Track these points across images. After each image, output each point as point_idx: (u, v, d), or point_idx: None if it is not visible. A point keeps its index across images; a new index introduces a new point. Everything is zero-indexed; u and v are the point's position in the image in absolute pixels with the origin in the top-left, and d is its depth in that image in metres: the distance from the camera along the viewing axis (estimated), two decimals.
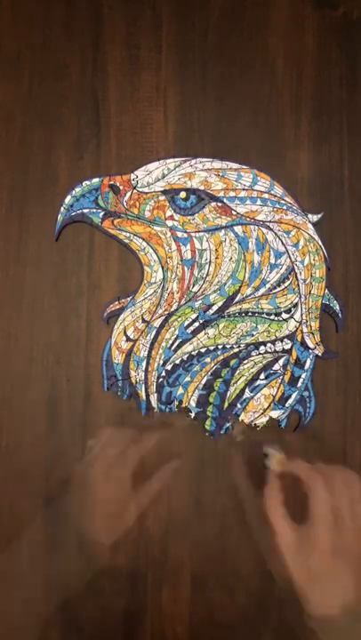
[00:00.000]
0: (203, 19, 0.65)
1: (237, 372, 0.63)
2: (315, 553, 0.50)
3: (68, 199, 0.63)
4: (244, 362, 0.63)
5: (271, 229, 0.62)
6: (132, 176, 0.63)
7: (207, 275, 0.62)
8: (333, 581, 0.50)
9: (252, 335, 0.63)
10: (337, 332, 0.63)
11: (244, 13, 0.65)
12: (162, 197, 0.62)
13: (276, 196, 0.63)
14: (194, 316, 0.63)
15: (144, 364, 0.63)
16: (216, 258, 0.62)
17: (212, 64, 0.64)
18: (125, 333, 0.63)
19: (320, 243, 0.63)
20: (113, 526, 0.57)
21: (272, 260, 0.62)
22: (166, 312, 0.62)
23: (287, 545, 0.51)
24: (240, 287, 0.62)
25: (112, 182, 0.63)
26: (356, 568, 0.50)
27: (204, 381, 0.63)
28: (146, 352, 0.63)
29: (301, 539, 0.51)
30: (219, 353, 0.63)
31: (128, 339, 0.63)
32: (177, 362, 0.63)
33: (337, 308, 0.63)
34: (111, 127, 0.65)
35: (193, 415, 0.63)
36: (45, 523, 0.57)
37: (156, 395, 0.63)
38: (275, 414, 0.63)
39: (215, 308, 0.62)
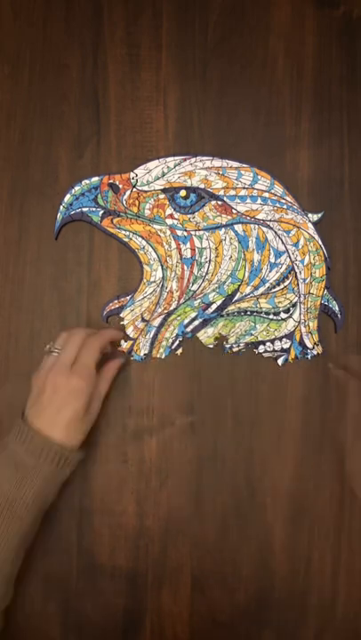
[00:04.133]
0: (203, 17, 0.65)
1: None
2: None
3: (67, 198, 0.62)
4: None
5: (271, 228, 0.62)
6: (132, 174, 0.62)
7: (207, 273, 0.62)
8: None
9: (251, 334, 0.63)
10: (336, 332, 0.63)
11: (245, 12, 0.65)
12: (162, 196, 0.62)
13: (276, 194, 0.62)
14: (193, 314, 0.62)
15: None
16: (216, 256, 0.62)
17: (213, 63, 0.64)
18: (125, 332, 0.63)
19: (320, 242, 0.63)
20: (80, 424, 0.56)
21: (272, 260, 0.62)
22: (165, 311, 0.62)
23: None
24: (239, 286, 0.62)
25: (111, 181, 0.62)
26: None
27: None
28: (146, 351, 0.63)
29: None
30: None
31: (128, 337, 0.63)
32: None
33: (336, 308, 0.63)
34: (111, 126, 0.65)
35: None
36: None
37: None
38: None
39: (214, 306, 0.62)
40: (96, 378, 0.57)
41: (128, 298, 0.63)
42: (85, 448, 0.58)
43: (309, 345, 0.62)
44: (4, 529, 0.52)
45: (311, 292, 0.62)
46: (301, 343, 0.63)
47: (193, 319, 0.63)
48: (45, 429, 0.54)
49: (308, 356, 0.62)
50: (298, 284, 0.62)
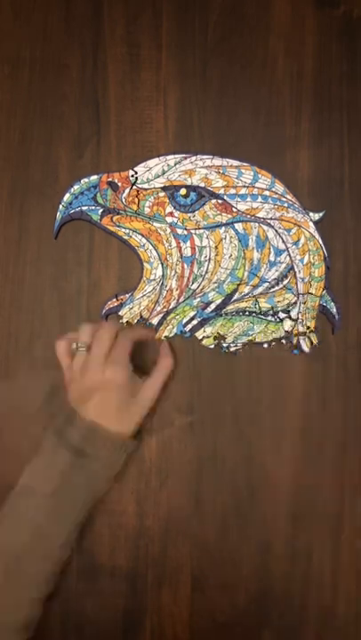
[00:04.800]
0: (203, 17, 0.65)
1: None
2: None
3: (66, 197, 0.63)
4: None
5: (272, 227, 0.62)
6: (131, 172, 0.62)
7: (207, 272, 0.62)
8: None
9: (249, 335, 0.62)
10: (333, 333, 0.63)
11: (245, 12, 0.65)
12: (162, 194, 0.62)
13: (277, 193, 0.62)
14: (192, 313, 0.62)
15: None
16: (216, 255, 0.62)
17: (213, 62, 0.64)
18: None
19: (320, 241, 0.62)
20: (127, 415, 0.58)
21: (271, 258, 0.62)
22: (164, 309, 0.62)
23: None
24: (238, 285, 0.62)
25: (110, 179, 0.63)
26: None
27: None
28: None
29: None
30: None
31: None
32: None
33: (334, 309, 0.63)
34: (111, 126, 0.65)
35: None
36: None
37: None
38: None
39: (213, 305, 0.62)
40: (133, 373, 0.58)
41: (127, 296, 0.63)
42: (140, 437, 0.61)
43: (308, 345, 0.62)
44: (61, 510, 0.56)
45: (310, 291, 0.62)
46: (300, 344, 0.62)
47: (192, 318, 0.62)
48: (99, 420, 0.57)
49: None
50: (297, 284, 0.62)
